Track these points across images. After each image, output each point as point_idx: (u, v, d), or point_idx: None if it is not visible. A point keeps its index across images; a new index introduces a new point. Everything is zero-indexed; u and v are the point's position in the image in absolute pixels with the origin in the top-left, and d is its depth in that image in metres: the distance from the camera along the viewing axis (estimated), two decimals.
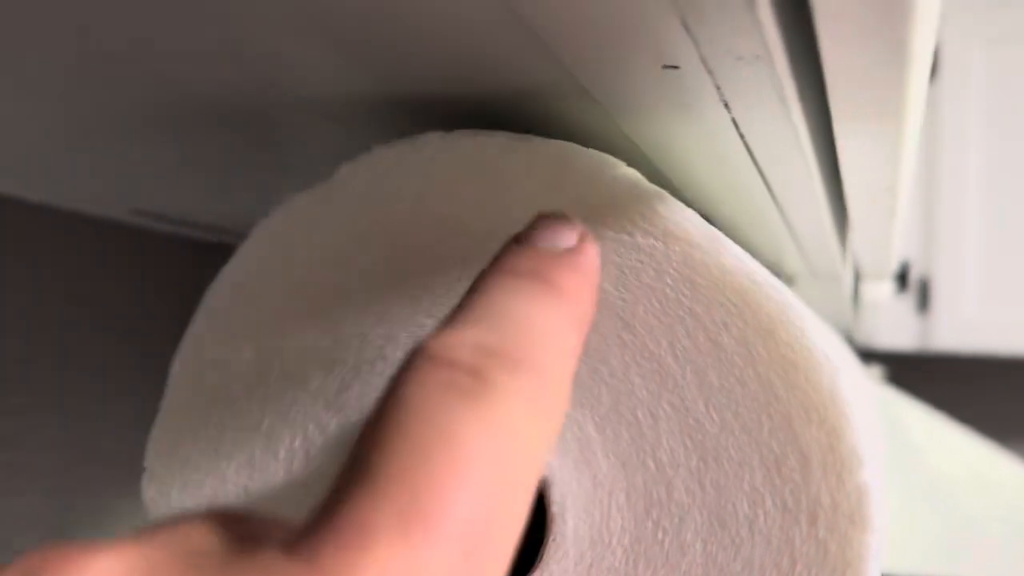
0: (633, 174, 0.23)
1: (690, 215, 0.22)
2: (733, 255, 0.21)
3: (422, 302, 0.24)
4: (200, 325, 0.26)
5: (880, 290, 0.64)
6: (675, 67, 0.19)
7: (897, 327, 1.59)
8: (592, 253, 0.18)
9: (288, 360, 0.25)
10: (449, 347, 0.15)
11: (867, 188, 0.30)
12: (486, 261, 0.23)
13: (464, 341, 0.15)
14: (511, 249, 0.18)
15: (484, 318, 0.16)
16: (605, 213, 0.22)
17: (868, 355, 1.77)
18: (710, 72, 0.19)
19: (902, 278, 1.03)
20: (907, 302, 1.60)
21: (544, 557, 0.22)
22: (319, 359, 0.25)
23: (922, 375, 1.81)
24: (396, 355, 0.24)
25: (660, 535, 0.21)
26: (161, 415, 0.27)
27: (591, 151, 0.23)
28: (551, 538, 0.22)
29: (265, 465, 0.25)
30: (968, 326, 1.55)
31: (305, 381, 0.25)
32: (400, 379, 0.15)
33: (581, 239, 0.18)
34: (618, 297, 0.22)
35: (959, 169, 1.67)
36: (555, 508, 0.22)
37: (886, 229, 0.37)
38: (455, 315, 0.16)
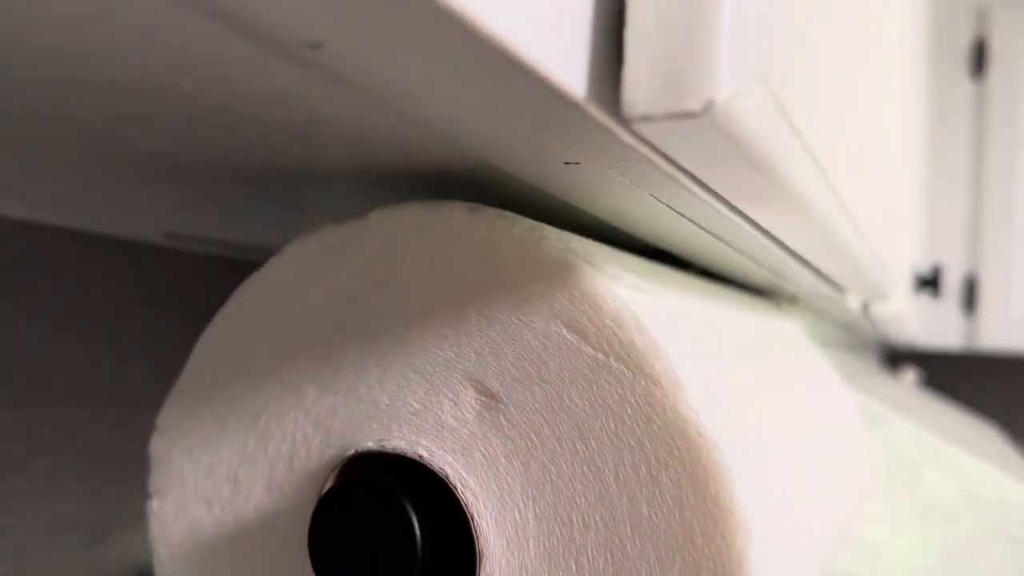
0: (622, 294, 0.24)
1: (662, 353, 0.24)
2: (688, 405, 0.23)
3: (399, 359, 0.26)
4: (230, 309, 0.29)
5: (890, 303, 0.65)
6: (576, 163, 0.21)
7: (943, 327, 1.57)
8: None
9: (292, 370, 0.28)
10: None
11: (801, 239, 0.31)
12: (435, 331, 0.25)
13: None
14: None
15: None
16: (581, 319, 0.24)
17: (911, 356, 1.75)
18: (606, 167, 0.21)
19: (933, 282, 1.02)
20: (952, 302, 1.57)
21: None
22: (318, 379, 0.27)
23: (968, 375, 1.79)
24: (382, 399, 0.26)
25: None
26: (180, 381, 0.30)
27: (567, 243, 0.25)
28: None
29: (255, 458, 0.28)
30: (1016, 325, 1.53)
31: (302, 395, 0.28)
32: None
33: None
34: (581, 409, 0.24)
35: (1007, 167, 1.62)
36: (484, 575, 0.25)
37: (845, 261, 0.38)
38: None
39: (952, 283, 1.61)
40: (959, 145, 1.65)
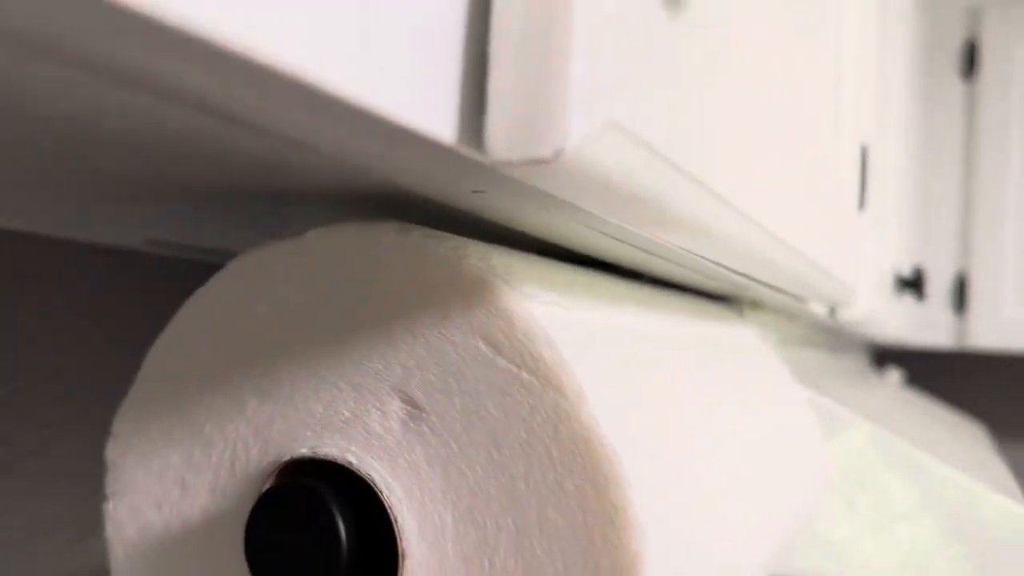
0: (534, 310, 0.26)
1: (568, 366, 0.25)
2: (590, 415, 0.25)
3: (332, 371, 0.28)
4: (178, 322, 0.31)
5: (857, 307, 0.66)
6: (482, 191, 0.23)
7: (933, 327, 1.58)
8: None
9: (234, 381, 0.29)
10: None
11: (722, 256, 0.32)
12: (366, 344, 0.27)
13: None
14: None
15: None
16: (496, 334, 0.26)
17: (901, 356, 1.76)
18: (507, 195, 0.23)
19: (914, 284, 1.03)
20: (942, 302, 1.59)
21: None
22: (258, 390, 0.29)
23: (959, 374, 1.80)
24: (316, 409, 0.28)
25: None
26: (132, 391, 0.31)
27: (487, 261, 0.27)
28: None
29: (200, 464, 0.30)
30: (1006, 325, 1.55)
31: (244, 405, 0.29)
32: None
33: None
34: (496, 418, 0.26)
35: (998, 167, 1.63)
36: (405, 575, 0.26)
37: (777, 274, 0.39)
38: None
39: (942, 283, 1.63)
40: (950, 146, 1.66)
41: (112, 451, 0.31)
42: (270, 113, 0.16)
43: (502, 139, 0.17)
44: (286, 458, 0.28)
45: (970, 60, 1.69)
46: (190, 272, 0.63)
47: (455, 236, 0.28)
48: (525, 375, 0.26)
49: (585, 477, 0.25)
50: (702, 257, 0.33)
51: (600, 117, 0.17)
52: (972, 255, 1.62)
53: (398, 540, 0.27)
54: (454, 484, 0.26)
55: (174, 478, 0.30)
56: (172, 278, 0.62)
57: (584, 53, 0.17)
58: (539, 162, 0.17)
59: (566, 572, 0.25)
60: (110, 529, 0.31)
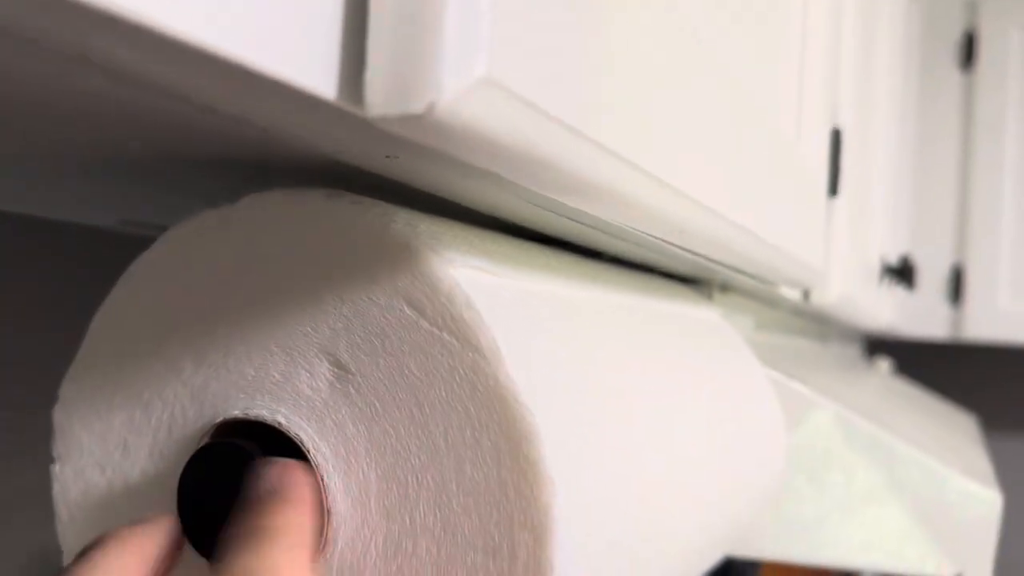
0: (457, 274, 0.27)
1: (486, 328, 0.26)
2: (507, 374, 0.26)
3: (264, 335, 0.29)
4: (120, 289, 0.32)
5: (830, 291, 0.67)
6: (396, 157, 0.24)
7: (928, 318, 1.58)
8: (291, 485, 0.26)
9: (172, 346, 0.30)
10: None
11: (662, 230, 0.33)
12: (296, 308, 0.28)
13: None
14: (240, 509, 0.26)
15: None
16: (419, 297, 0.27)
17: (896, 346, 1.76)
18: (416, 159, 0.24)
19: (903, 273, 1.03)
20: (938, 292, 1.59)
21: (314, 565, 0.27)
22: (193, 354, 0.30)
23: (953, 365, 1.81)
24: (248, 372, 0.29)
25: None
26: (78, 356, 0.32)
27: (414, 228, 0.27)
28: (321, 555, 0.27)
29: (140, 427, 0.31)
30: (1001, 316, 1.55)
31: (180, 369, 0.30)
32: None
33: (281, 478, 0.26)
34: (418, 378, 0.27)
35: (994, 158, 1.63)
36: (330, 532, 0.27)
37: (735, 254, 0.40)
38: None
39: (938, 274, 1.63)
40: (947, 137, 1.66)
41: (59, 415, 0.32)
42: (152, 71, 0.17)
43: (379, 95, 0.18)
44: (219, 420, 0.29)
45: (968, 51, 1.69)
46: None
47: (383, 203, 0.29)
48: (446, 336, 0.26)
49: (500, 433, 0.25)
50: (639, 231, 0.33)
51: (474, 74, 0.18)
52: (968, 246, 1.63)
53: (324, 498, 0.27)
54: (378, 443, 0.27)
55: (116, 440, 0.31)
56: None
57: (458, 11, 0.17)
58: (412, 117, 0.18)
59: (481, 526, 0.26)
60: (56, 490, 0.32)
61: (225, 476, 0.27)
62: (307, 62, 0.17)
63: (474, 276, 0.28)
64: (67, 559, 0.32)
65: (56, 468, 0.32)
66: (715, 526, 0.40)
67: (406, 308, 0.27)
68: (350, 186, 0.32)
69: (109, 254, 0.61)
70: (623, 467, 0.30)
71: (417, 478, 0.26)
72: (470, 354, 0.26)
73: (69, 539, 0.32)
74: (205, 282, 0.30)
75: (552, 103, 0.21)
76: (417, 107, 0.17)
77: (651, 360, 0.37)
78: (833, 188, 0.67)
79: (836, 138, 0.67)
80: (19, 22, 0.15)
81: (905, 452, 0.62)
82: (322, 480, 0.27)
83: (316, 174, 0.33)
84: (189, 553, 0.29)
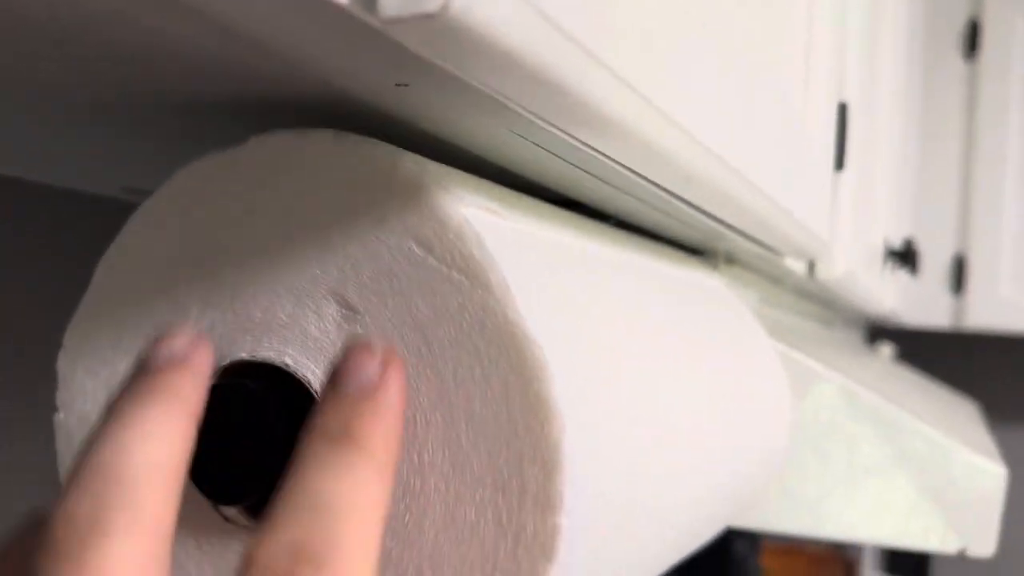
0: (467, 213, 0.27)
1: (496, 265, 0.26)
2: (516, 311, 0.25)
3: (271, 277, 0.28)
4: (125, 234, 0.31)
5: (836, 266, 0.67)
6: (406, 85, 0.23)
7: (930, 306, 1.58)
8: (395, 387, 0.22)
9: (178, 289, 0.30)
10: (267, 553, 0.19)
11: (666, 176, 0.33)
12: (303, 249, 0.27)
13: (278, 543, 0.20)
14: (323, 404, 0.22)
15: (293, 507, 0.20)
16: (428, 235, 0.26)
17: (899, 334, 1.76)
18: (429, 88, 0.23)
19: (906, 256, 1.03)
20: (940, 281, 1.59)
21: None
22: (199, 297, 0.29)
23: (955, 354, 1.80)
24: (255, 314, 0.29)
25: (406, 517, 0.26)
26: (82, 303, 0.32)
27: (423, 167, 0.27)
28: None
29: None
30: (1003, 305, 1.54)
31: (187, 312, 0.30)
32: None
33: (385, 369, 0.22)
34: (426, 316, 0.26)
35: (997, 147, 1.63)
36: None
37: (730, 206, 0.39)
38: (275, 507, 0.20)
39: (940, 262, 1.63)
40: (951, 125, 1.66)
41: (62, 363, 0.32)
42: None
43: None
44: (225, 362, 0.29)
45: (972, 40, 1.68)
46: None
47: (390, 144, 0.28)
48: (455, 274, 0.26)
49: (510, 370, 0.25)
50: (645, 179, 0.33)
51: None
52: (970, 235, 1.62)
53: None
54: None
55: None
56: None
57: None
58: (426, 16, 0.17)
59: (490, 462, 0.25)
60: (60, 440, 0.32)
61: (233, 417, 0.27)
62: None
63: (484, 216, 0.28)
64: None
65: (60, 416, 0.32)
66: (720, 484, 0.40)
67: (415, 246, 0.27)
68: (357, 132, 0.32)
69: (112, 222, 0.61)
70: (632, 408, 0.30)
71: (426, 417, 0.26)
72: (479, 292, 0.26)
73: None
74: (211, 225, 0.29)
75: (567, 18, 0.20)
76: (429, 7, 0.17)
77: (659, 313, 0.36)
78: (839, 162, 0.66)
79: (842, 112, 0.67)
80: None
81: (911, 425, 0.62)
82: None
83: (323, 122, 0.32)
84: (193, 494, 0.29)
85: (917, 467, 0.63)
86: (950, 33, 1.71)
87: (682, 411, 0.34)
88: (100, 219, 0.60)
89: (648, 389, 0.31)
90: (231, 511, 0.28)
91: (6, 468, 0.55)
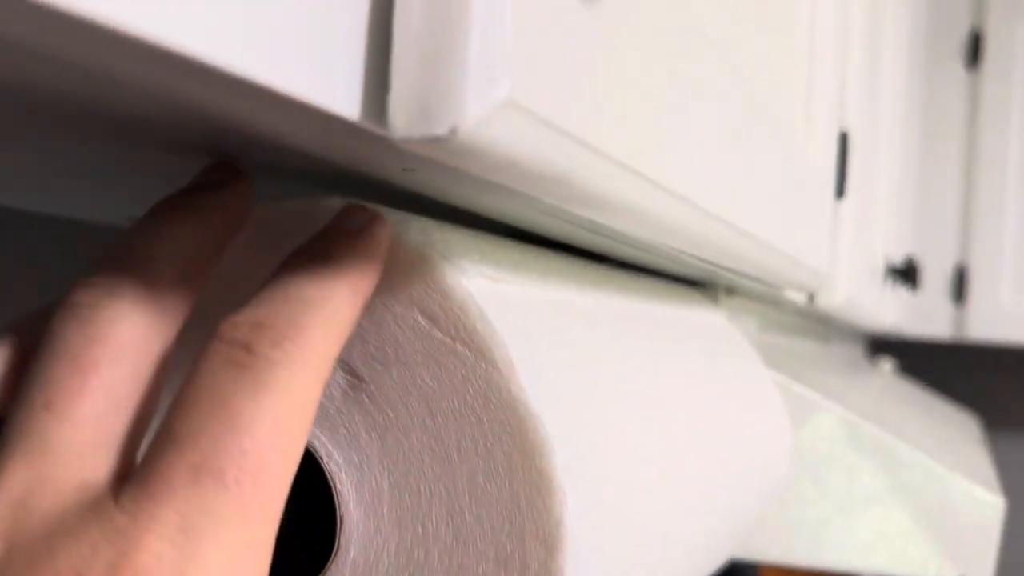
0: (470, 285, 0.27)
1: (500, 339, 0.26)
2: (520, 386, 0.26)
3: None
4: None
5: (836, 295, 0.67)
6: (412, 170, 0.24)
7: (931, 317, 1.59)
8: (377, 234, 0.24)
9: (182, 346, 0.30)
10: (231, 327, 0.21)
11: (673, 240, 0.33)
12: None
13: (244, 320, 0.21)
14: (312, 239, 0.24)
15: (266, 298, 0.22)
16: (433, 307, 0.27)
17: (899, 346, 1.76)
18: (433, 174, 0.24)
19: (907, 274, 1.03)
20: (941, 292, 1.59)
21: (325, 573, 0.28)
22: None
23: (956, 365, 1.81)
24: None
25: None
26: None
27: (428, 236, 0.27)
28: (333, 561, 0.27)
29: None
30: (1004, 316, 1.55)
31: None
32: (197, 358, 0.21)
33: (370, 222, 0.24)
34: (430, 388, 0.27)
35: (999, 157, 1.63)
36: (343, 539, 0.27)
37: (743, 261, 0.40)
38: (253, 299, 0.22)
39: (941, 273, 1.63)
40: (952, 135, 1.66)
41: None
42: (184, 93, 0.17)
43: (403, 117, 0.18)
44: None
45: (974, 49, 1.68)
46: None
47: (397, 211, 0.29)
48: (459, 347, 0.27)
49: (513, 445, 0.26)
50: (651, 240, 0.33)
51: (497, 97, 0.18)
52: (972, 246, 1.63)
53: (337, 506, 0.28)
54: (391, 451, 0.27)
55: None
56: None
57: (481, 36, 0.18)
58: (436, 139, 0.18)
59: (494, 536, 0.26)
60: None
61: None
62: (332, 85, 0.17)
63: (486, 285, 0.28)
64: None
65: None
66: (721, 530, 0.40)
67: (420, 317, 0.27)
68: (362, 189, 0.33)
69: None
70: (632, 475, 0.30)
71: (430, 488, 0.27)
72: (483, 365, 0.26)
73: None
74: (219, 286, 0.30)
75: (569, 121, 0.21)
76: (440, 130, 0.18)
77: (659, 365, 0.37)
78: (840, 190, 0.67)
79: (843, 141, 0.67)
80: (45, 44, 0.15)
81: (909, 455, 0.62)
82: (334, 487, 0.28)
83: (327, 177, 0.33)
84: None
85: (916, 497, 0.63)
86: (952, 43, 1.71)
87: (684, 465, 0.35)
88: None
89: (649, 451, 0.32)
90: None
91: None
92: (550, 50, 0.20)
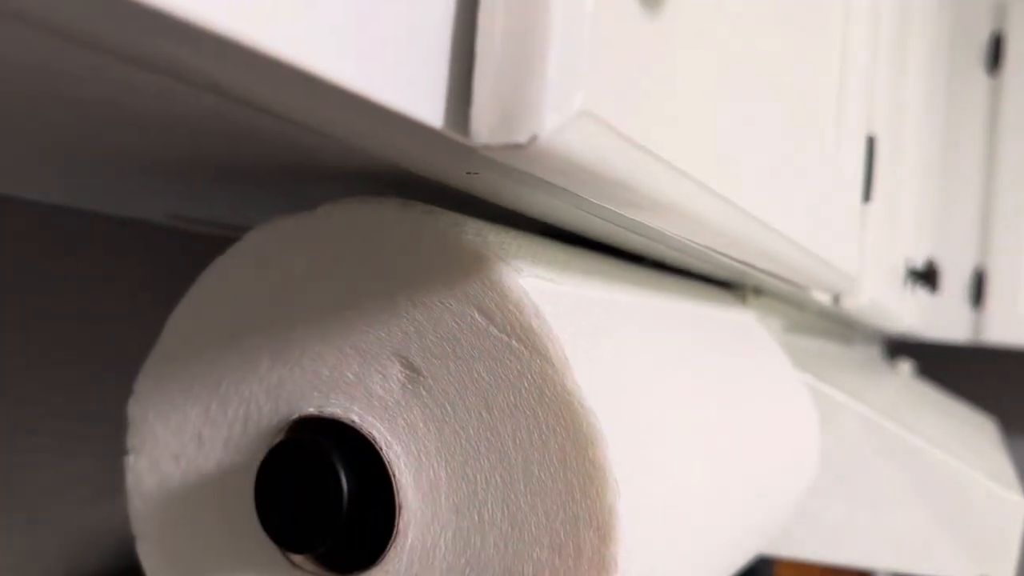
0: (525, 284, 0.28)
1: (555, 336, 0.27)
2: (574, 381, 0.27)
3: (339, 336, 0.30)
4: (198, 289, 0.33)
5: (861, 296, 0.68)
6: (476, 173, 0.25)
7: (950, 320, 1.59)
8: None
9: (249, 344, 0.32)
10: None
11: (703, 238, 0.34)
12: (370, 312, 0.29)
13: None
14: None
15: None
16: (490, 305, 0.28)
17: (917, 349, 1.76)
18: (499, 177, 0.25)
19: (926, 276, 1.04)
20: (959, 295, 1.59)
21: (385, 557, 0.29)
22: (270, 353, 0.31)
23: (974, 368, 1.81)
24: (323, 371, 0.30)
25: (467, 572, 0.28)
26: (154, 352, 0.34)
27: (484, 237, 0.29)
28: (393, 546, 0.29)
29: (216, 420, 0.32)
30: (1022, 320, 1.55)
31: (257, 366, 0.32)
32: None
33: None
34: (487, 383, 0.28)
35: (1019, 161, 1.63)
36: (401, 525, 0.29)
37: (765, 259, 0.41)
38: None
39: (960, 277, 1.63)
40: (972, 139, 1.66)
41: (134, 408, 0.34)
42: (279, 98, 0.18)
43: (484, 125, 0.19)
44: (295, 416, 0.30)
45: (995, 53, 1.68)
46: (204, 246, 0.65)
47: (453, 213, 0.30)
48: (515, 343, 0.28)
49: (567, 437, 0.27)
50: (691, 241, 0.35)
51: (573, 108, 0.19)
52: (991, 249, 1.63)
53: (395, 493, 0.29)
54: (448, 443, 0.28)
55: (192, 433, 0.33)
56: (188, 251, 0.64)
57: (560, 50, 0.19)
58: (516, 147, 0.19)
59: (548, 523, 0.27)
60: (130, 480, 0.34)
61: (302, 471, 0.29)
62: (418, 94, 0.19)
63: (539, 284, 0.29)
64: (140, 546, 0.34)
65: (131, 459, 0.34)
66: (756, 526, 0.41)
67: (477, 315, 0.28)
68: (405, 190, 0.34)
69: (156, 248, 0.63)
70: (679, 469, 0.31)
71: (486, 477, 0.28)
72: (538, 361, 0.27)
73: (143, 528, 0.33)
74: (282, 284, 0.31)
75: (632, 129, 0.22)
76: (520, 138, 0.19)
77: (700, 363, 0.38)
78: (867, 194, 0.68)
79: (871, 145, 0.68)
80: (160, 55, 0.17)
81: (931, 455, 0.63)
82: (394, 476, 0.29)
83: (377, 179, 0.34)
84: (263, 538, 0.30)
85: (937, 496, 0.64)
86: (973, 47, 1.71)
87: (722, 459, 0.36)
88: (147, 245, 0.62)
89: (691, 444, 0.33)
90: (299, 558, 0.30)
91: (64, 482, 0.57)
92: (617, 61, 0.21)
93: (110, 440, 0.60)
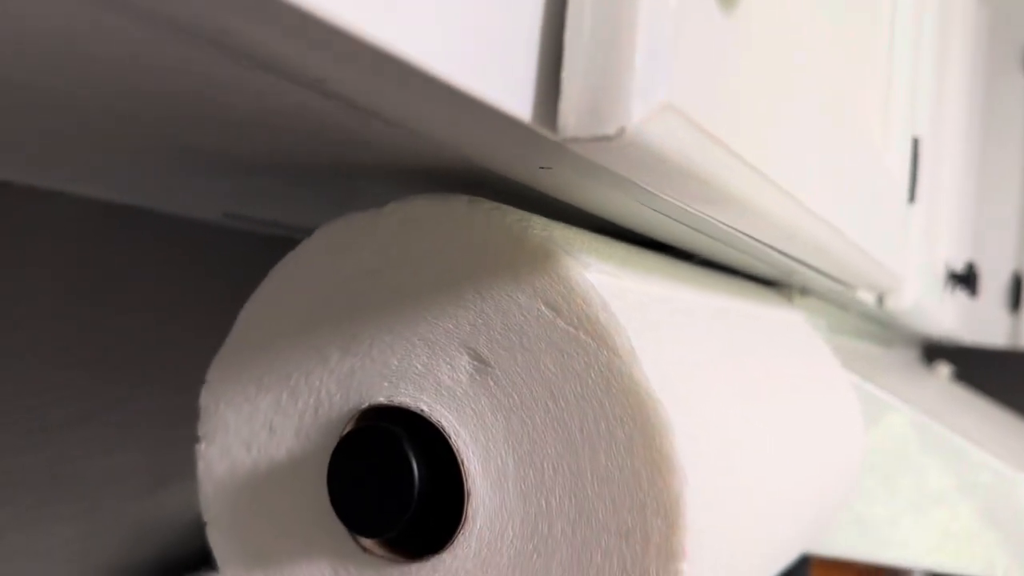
0: (592, 278, 0.29)
1: (622, 329, 0.28)
2: (641, 372, 0.28)
3: (408, 328, 0.31)
4: (269, 282, 0.34)
5: (905, 297, 0.68)
6: (549, 168, 0.26)
7: (988, 324, 1.58)
8: None
9: (319, 336, 0.33)
10: None
11: (767, 235, 0.35)
12: (438, 304, 0.30)
13: None
14: None
15: None
16: (557, 298, 0.29)
17: (956, 353, 1.75)
18: (573, 172, 0.26)
19: (966, 279, 1.04)
20: (997, 299, 1.58)
21: (453, 542, 0.30)
22: (340, 344, 0.32)
23: (1013, 373, 1.79)
24: (392, 362, 0.31)
25: (535, 557, 0.29)
26: (226, 343, 0.35)
27: (550, 233, 0.29)
28: (461, 532, 0.29)
29: (287, 409, 0.33)
30: None
31: (327, 357, 0.32)
32: None
33: None
34: (553, 374, 0.29)
35: None
36: (470, 511, 0.29)
37: (822, 256, 0.41)
38: None
39: (998, 281, 1.62)
40: (1010, 142, 1.65)
41: (205, 397, 0.35)
42: (384, 95, 0.19)
43: (572, 119, 0.20)
44: (365, 405, 0.31)
45: None
46: (265, 246, 0.67)
47: (519, 209, 0.31)
48: (582, 336, 0.28)
49: (634, 427, 0.27)
50: (752, 237, 0.35)
51: (658, 101, 0.20)
52: None
53: (464, 480, 0.30)
54: (515, 432, 0.29)
55: (263, 422, 0.34)
56: (246, 251, 0.66)
57: (645, 45, 0.20)
58: (604, 139, 0.20)
59: (615, 511, 0.28)
60: (201, 468, 0.35)
61: (373, 458, 0.30)
62: (510, 87, 0.19)
63: (604, 279, 0.30)
64: (210, 532, 0.35)
65: (202, 447, 0.35)
66: (805, 521, 0.42)
67: (543, 308, 0.29)
68: (470, 189, 0.35)
69: (213, 246, 0.64)
70: (741, 461, 0.32)
71: (553, 466, 0.29)
72: (605, 353, 0.28)
73: (214, 513, 0.34)
74: (352, 278, 0.32)
75: (710, 123, 0.23)
76: (609, 130, 0.19)
77: (755, 359, 0.38)
78: (912, 195, 0.68)
79: (915, 146, 0.68)
80: (270, 50, 0.17)
81: (976, 455, 0.63)
82: (462, 464, 0.30)
83: (441, 177, 0.35)
84: (335, 523, 0.31)
85: (983, 497, 0.64)
86: (1011, 49, 1.70)
87: (776, 453, 0.37)
88: (202, 243, 0.63)
89: (749, 437, 0.34)
90: (369, 542, 0.31)
91: (111, 474, 0.59)
92: (696, 58, 0.22)
93: (163, 433, 0.62)
